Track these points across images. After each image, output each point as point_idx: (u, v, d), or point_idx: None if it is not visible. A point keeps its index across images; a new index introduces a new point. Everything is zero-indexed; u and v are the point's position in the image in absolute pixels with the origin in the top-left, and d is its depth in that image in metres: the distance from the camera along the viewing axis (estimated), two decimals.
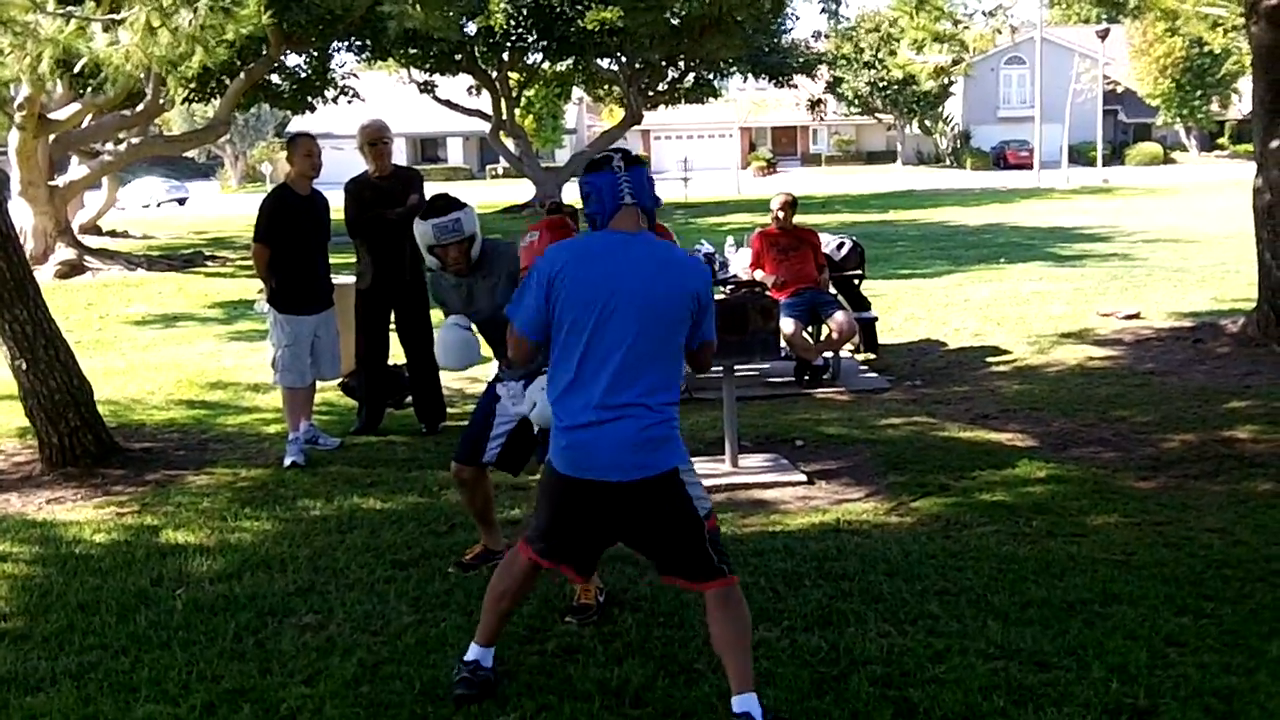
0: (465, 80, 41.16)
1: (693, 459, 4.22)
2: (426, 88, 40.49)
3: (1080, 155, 60.84)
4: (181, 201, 53.74)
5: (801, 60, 45.59)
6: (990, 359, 11.33)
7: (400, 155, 69.59)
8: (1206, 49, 54.13)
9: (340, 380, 9.19)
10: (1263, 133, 10.96)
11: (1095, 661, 4.37)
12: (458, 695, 4.18)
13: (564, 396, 4.00)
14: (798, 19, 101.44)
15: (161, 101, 25.52)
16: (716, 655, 4.06)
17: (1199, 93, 63.61)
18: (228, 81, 26.48)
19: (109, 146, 27.55)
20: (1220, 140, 71.19)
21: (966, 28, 17.02)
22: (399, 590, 5.33)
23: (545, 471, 4.19)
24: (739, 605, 4.03)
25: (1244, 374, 9.97)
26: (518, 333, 4.07)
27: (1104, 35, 50.67)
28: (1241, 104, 61.95)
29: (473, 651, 4.29)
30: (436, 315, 9.97)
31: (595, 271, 3.97)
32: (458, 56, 36.65)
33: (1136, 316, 12.99)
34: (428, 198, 5.58)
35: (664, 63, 40.41)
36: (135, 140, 27.50)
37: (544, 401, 4.49)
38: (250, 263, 9.48)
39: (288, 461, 7.75)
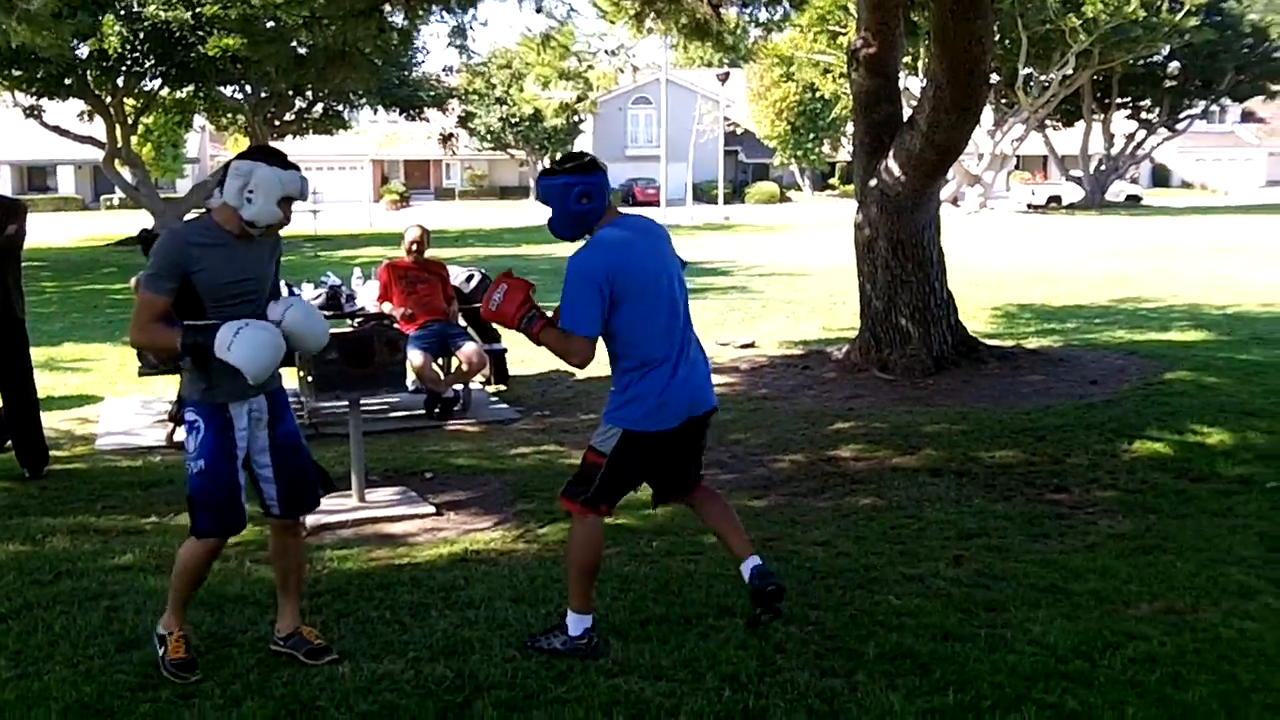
0: (77, 105, 39.11)
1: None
2: (33, 112, 38.19)
3: (703, 193, 63.40)
4: None
5: (433, 94, 45.75)
6: None
7: (5, 184, 65.56)
8: (819, 94, 57.60)
9: None
10: (863, 172, 11.74)
11: (709, 672, 4.56)
12: (598, 655, 4.73)
13: (651, 369, 4.73)
14: (428, 53, 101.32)
15: None
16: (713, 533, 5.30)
17: (812, 135, 67.40)
18: None
19: None
20: (831, 180, 75.58)
21: (591, 66, 17.57)
22: None
23: (626, 441, 4.77)
24: (716, 493, 5.41)
25: (848, 397, 10.62)
26: (582, 337, 4.62)
27: (724, 79, 53.16)
28: (850, 146, 66.06)
29: (584, 622, 4.81)
30: (55, 351, 9.47)
31: (636, 258, 4.71)
32: (68, 80, 34.77)
33: (752, 345, 13.65)
34: (254, 149, 4.63)
35: (290, 92, 39.65)
36: None
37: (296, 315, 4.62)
38: None
39: None
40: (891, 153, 11.19)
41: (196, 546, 4.66)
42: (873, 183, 11.45)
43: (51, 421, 8.72)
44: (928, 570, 5.81)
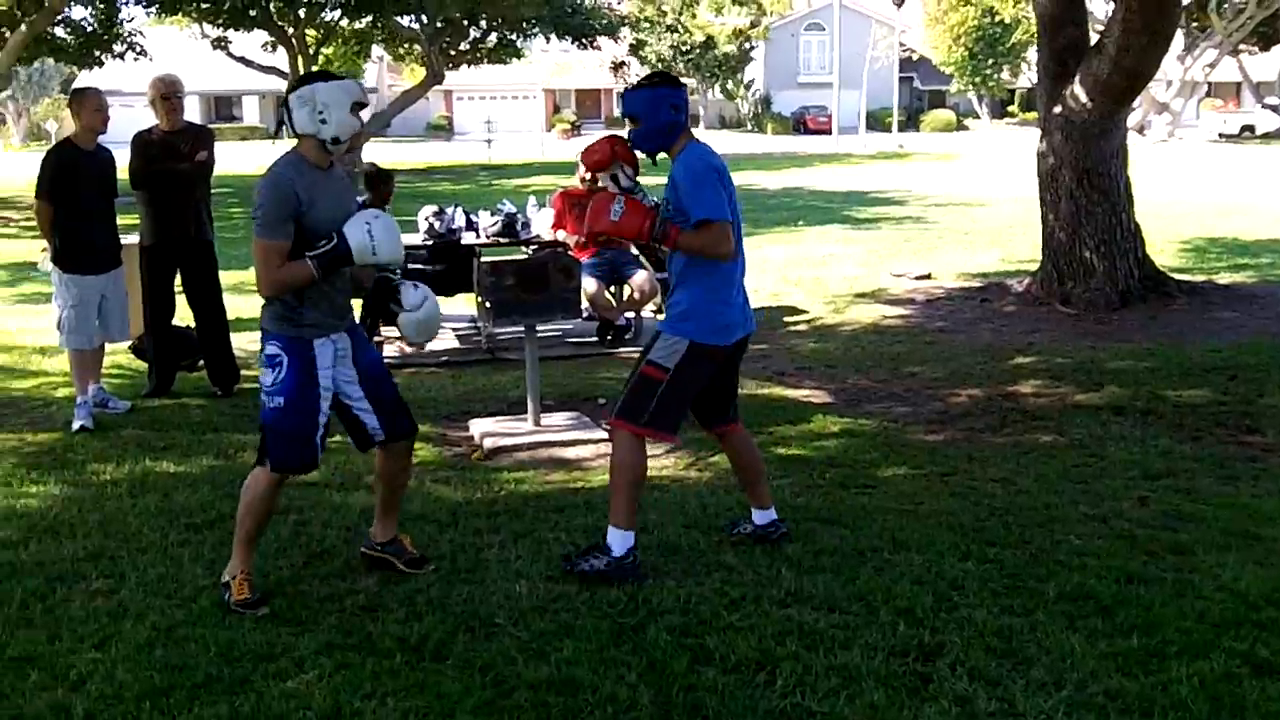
0: (260, 36, 40.02)
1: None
2: (220, 44, 39.23)
3: (877, 121, 62.35)
4: None
5: (604, 22, 45.62)
6: (787, 319, 11.57)
7: (194, 114, 67.48)
8: (998, 19, 56.06)
9: (130, 343, 8.91)
10: (1046, 99, 11.40)
11: (883, 606, 4.52)
12: (640, 576, 4.76)
13: (724, 283, 4.88)
14: None
15: None
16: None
17: (990, 61, 65.62)
18: (8, 33, 25.30)
19: None
20: (1010, 108, 73.64)
21: None
22: (193, 554, 5.23)
23: (691, 354, 4.81)
24: (749, 437, 5.37)
25: (1028, 332, 10.39)
26: (723, 221, 4.74)
27: (900, 3, 52.00)
28: (1030, 72, 64.12)
29: (628, 540, 4.79)
30: (236, 275, 9.78)
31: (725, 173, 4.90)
32: (252, 11, 35.59)
33: (928, 277, 13.42)
34: (306, 75, 4.75)
35: (465, 21, 39.94)
36: None
37: (420, 298, 4.80)
38: (34, 223, 9.09)
39: (76, 425, 7.50)
40: (1077, 78, 10.84)
41: (265, 480, 4.69)
42: (1057, 109, 11.11)
43: (240, 342, 8.99)
44: (1111, 510, 5.67)
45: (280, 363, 4.54)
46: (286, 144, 4.78)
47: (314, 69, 4.88)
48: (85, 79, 41.03)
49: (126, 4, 32.40)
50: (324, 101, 4.50)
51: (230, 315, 8.81)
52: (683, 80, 5.09)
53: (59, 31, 29.77)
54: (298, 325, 4.55)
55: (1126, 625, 4.33)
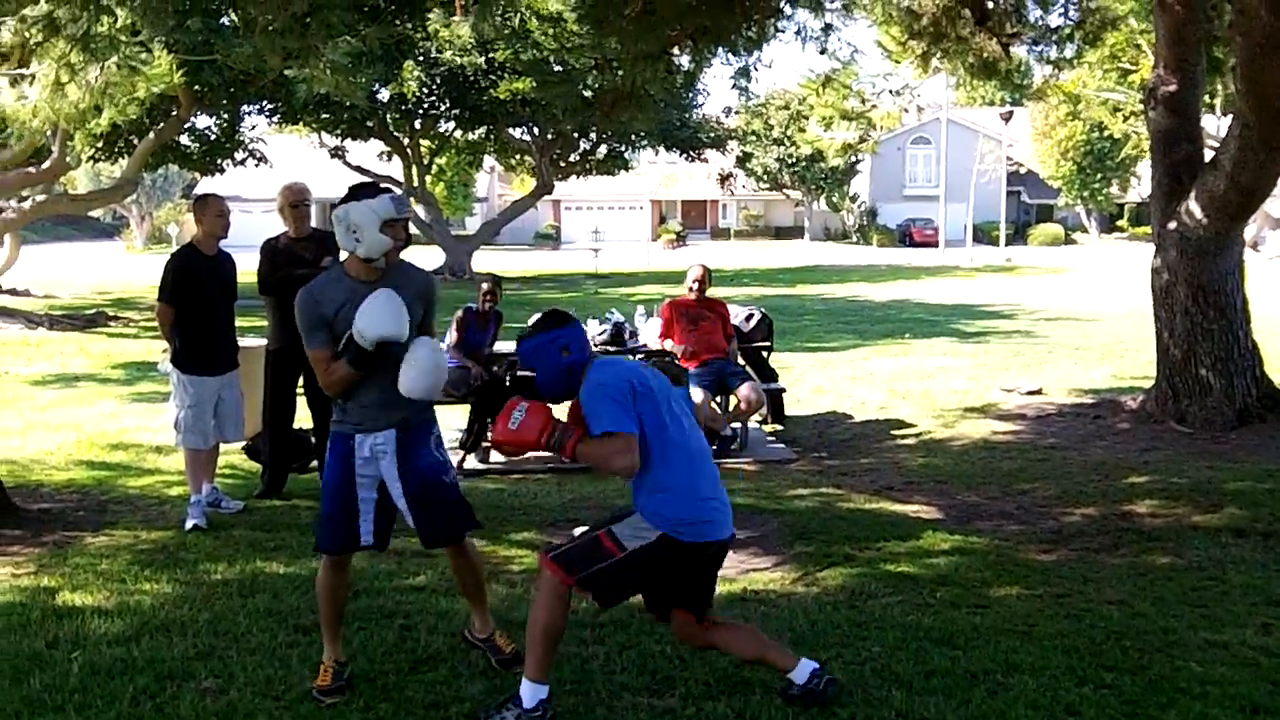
0: (377, 146, 41.17)
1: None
2: (337, 153, 40.40)
3: (984, 234, 62.11)
4: None
5: (712, 135, 46.24)
6: (895, 432, 11.46)
7: (313, 219, 69.13)
8: (1106, 133, 55.65)
9: (244, 443, 9.07)
10: (1160, 214, 11.27)
11: None
12: None
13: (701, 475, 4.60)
14: (709, 94, 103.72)
15: (67, 159, 25.20)
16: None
17: (1099, 175, 65.20)
18: (136, 141, 26.25)
19: (12, 204, 27.11)
20: (1120, 222, 72.97)
21: (874, 106, 17.49)
22: (301, 655, 5.25)
23: (662, 546, 4.49)
24: (734, 626, 4.94)
25: (1143, 449, 10.18)
26: (624, 434, 4.39)
27: (1008, 118, 51.97)
28: (1140, 187, 63.57)
29: (539, 692, 4.47)
30: None
31: (641, 374, 4.61)
32: (369, 122, 36.66)
33: (1039, 392, 13.24)
34: (350, 189, 5.00)
35: (576, 134, 40.73)
36: (40, 198, 27.09)
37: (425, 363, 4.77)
38: (154, 324, 9.35)
39: (189, 524, 7.62)
40: (1193, 194, 10.73)
41: (322, 564, 5.06)
42: (1171, 225, 10.98)
43: None
44: (1233, 637, 5.48)
45: (330, 453, 4.97)
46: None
47: (364, 181, 5.11)
48: (206, 185, 42.38)
49: (249, 114, 33.28)
50: (355, 222, 4.77)
51: None
52: (568, 315, 4.75)
53: (183, 139, 30.78)
54: (341, 422, 4.95)
55: None
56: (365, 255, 4.80)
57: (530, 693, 4.46)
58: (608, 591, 4.57)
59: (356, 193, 4.88)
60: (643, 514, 4.52)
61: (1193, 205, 10.71)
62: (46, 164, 24.49)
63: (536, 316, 4.87)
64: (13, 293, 30.67)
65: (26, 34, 9.19)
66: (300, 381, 8.63)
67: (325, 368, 4.85)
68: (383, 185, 5.02)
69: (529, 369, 4.71)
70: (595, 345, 10.75)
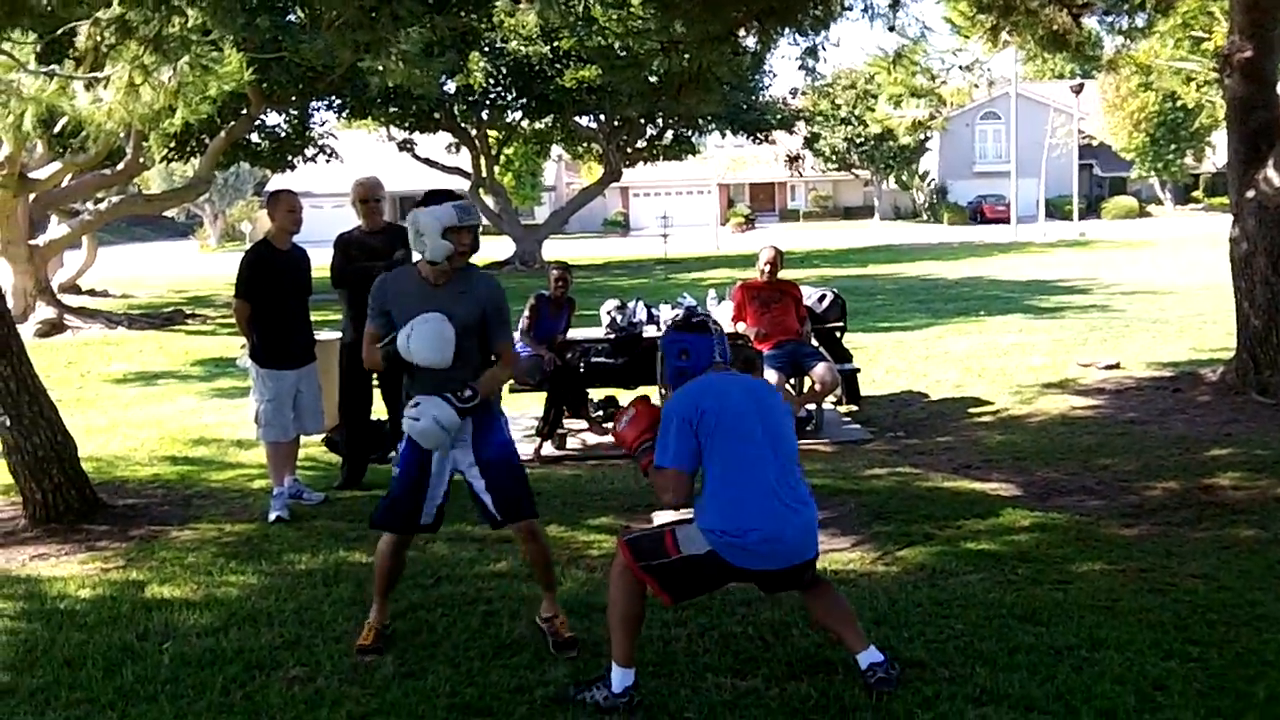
0: (445, 138, 41.39)
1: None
2: (406, 145, 40.66)
3: (1056, 209, 61.41)
4: None
5: (779, 117, 45.99)
6: (972, 410, 11.38)
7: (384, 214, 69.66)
8: (1179, 103, 54.72)
9: (324, 435, 9.18)
10: (1238, 183, 11.10)
11: (1084, 706, 4.37)
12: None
13: (755, 492, 4.53)
14: (775, 76, 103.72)
15: (142, 160, 25.62)
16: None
17: (1173, 146, 64.17)
18: (208, 140, 26.59)
19: (88, 205, 27.58)
20: (1195, 194, 71.77)
21: (943, 82, 17.30)
22: (385, 643, 5.32)
23: (714, 560, 4.51)
24: (825, 588, 4.92)
25: (1224, 422, 10.03)
26: (674, 473, 4.56)
27: (1078, 90, 51.29)
28: (1215, 157, 62.50)
29: (627, 678, 4.55)
30: None
31: (724, 398, 4.62)
32: (436, 114, 36.81)
33: (1116, 367, 13.09)
34: (426, 194, 5.28)
35: (642, 120, 40.69)
36: (115, 199, 27.53)
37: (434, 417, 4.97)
38: (230, 320, 9.50)
39: (272, 516, 7.73)
40: (1271, 162, 10.54)
41: (385, 539, 5.34)
42: (1250, 194, 10.80)
43: None
44: None
45: (406, 442, 5.20)
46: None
47: (439, 189, 5.38)
48: (277, 181, 42.82)
49: (318, 110, 33.60)
50: (421, 227, 5.07)
51: None
52: (704, 322, 4.90)
53: (254, 137, 31.12)
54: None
55: None
56: (429, 259, 5.09)
57: (619, 678, 4.53)
58: (670, 586, 4.60)
59: (429, 199, 5.14)
60: (698, 524, 4.58)
61: (1271, 173, 10.53)
62: (121, 165, 24.90)
63: (679, 314, 5.04)
64: (91, 293, 31.21)
65: (99, 37, 9.33)
66: (375, 374, 8.72)
67: (369, 346, 5.30)
68: (457, 192, 5.30)
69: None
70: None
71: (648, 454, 4.71)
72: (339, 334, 9.00)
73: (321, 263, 8.19)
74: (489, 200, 41.30)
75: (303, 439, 8.50)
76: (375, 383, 8.80)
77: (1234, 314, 11.32)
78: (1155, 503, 7.61)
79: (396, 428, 8.73)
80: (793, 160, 61.14)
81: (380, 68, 11.16)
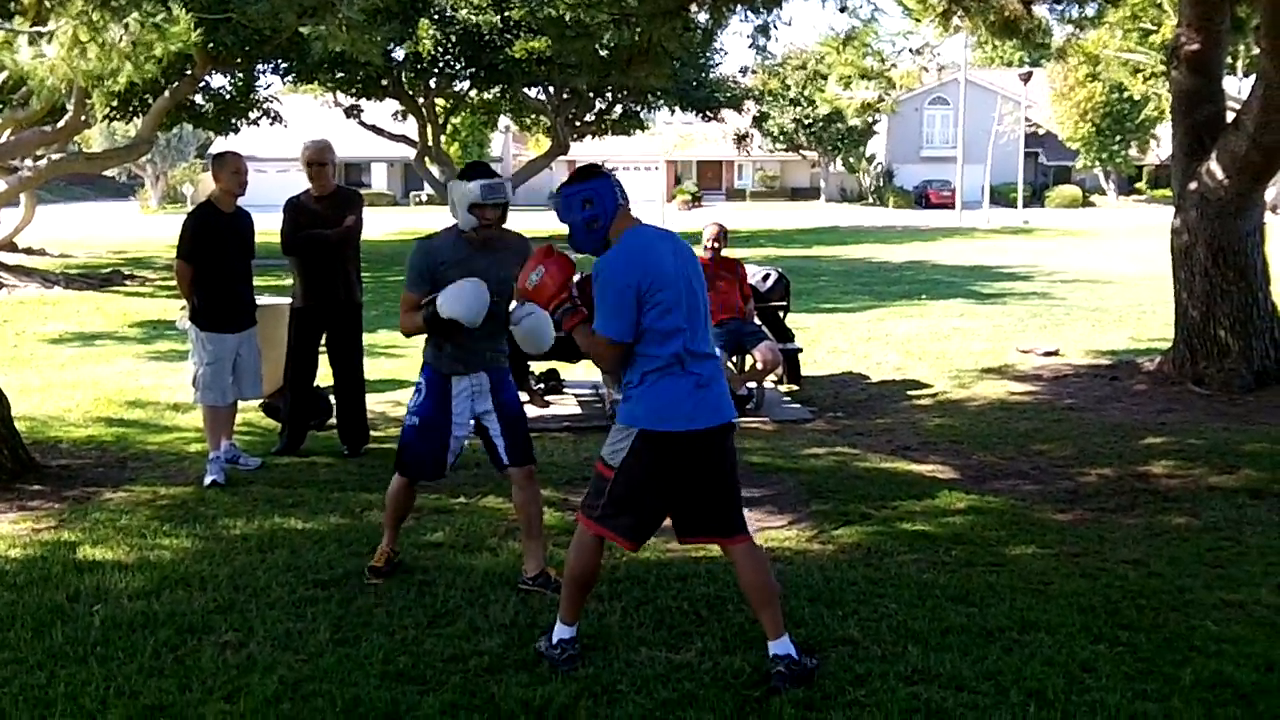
0: (391, 105, 40.97)
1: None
2: (352, 112, 40.22)
3: (1001, 196, 61.84)
4: None
5: (728, 95, 45.96)
6: (912, 392, 11.46)
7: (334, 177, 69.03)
8: (1126, 95, 55.22)
9: (262, 400, 9.10)
10: (1181, 175, 11.21)
11: (1013, 687, 4.42)
12: (566, 667, 4.59)
13: (670, 368, 4.44)
14: (725, 54, 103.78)
15: (84, 118, 25.13)
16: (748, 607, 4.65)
17: (1118, 138, 64.75)
18: (151, 100, 26.17)
19: (27, 163, 27.08)
20: (1138, 185, 72.53)
21: (893, 65, 17.36)
22: (320, 610, 5.29)
23: (644, 443, 4.45)
24: (763, 558, 4.75)
25: (1159, 411, 10.16)
26: (610, 343, 4.44)
27: (1027, 78, 51.70)
28: (1159, 149, 63.12)
29: (564, 632, 4.69)
30: (369, 338, 9.97)
31: (657, 260, 4.46)
32: (384, 81, 36.42)
33: (1055, 354, 13.22)
34: (465, 166, 5.61)
35: (591, 93, 40.48)
36: (55, 156, 27.04)
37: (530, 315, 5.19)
38: (170, 283, 9.39)
39: (208, 480, 7.66)
40: (1214, 155, 10.67)
41: (397, 483, 5.75)
42: (1192, 186, 10.92)
43: (374, 404, 9.13)
44: (1248, 597, 5.49)
45: (421, 390, 5.66)
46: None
47: (476, 162, 5.54)
48: (221, 144, 42.27)
49: (263, 73, 33.17)
50: (454, 198, 5.47)
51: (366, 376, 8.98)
52: (604, 169, 4.70)
53: (198, 99, 30.69)
54: (439, 362, 5.62)
55: (1267, 715, 4.19)
56: (461, 227, 5.49)
57: (558, 630, 4.70)
58: (625, 526, 4.55)
59: (464, 173, 5.51)
60: (619, 420, 4.57)
61: (1214, 166, 10.66)
62: (62, 123, 24.44)
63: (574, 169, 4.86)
64: (28, 252, 30.74)
65: None
66: (323, 340, 8.66)
67: (407, 310, 5.60)
68: (490, 169, 5.59)
69: (564, 224, 4.70)
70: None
71: (571, 316, 4.56)
72: (287, 299, 8.91)
73: (265, 228, 8.10)
74: (435, 170, 40.98)
75: (240, 404, 8.42)
76: (322, 350, 8.72)
77: (1173, 304, 11.45)
78: (1090, 489, 7.70)
79: (341, 396, 8.70)
80: (741, 139, 61.27)
81: (323, 33, 11.04)
